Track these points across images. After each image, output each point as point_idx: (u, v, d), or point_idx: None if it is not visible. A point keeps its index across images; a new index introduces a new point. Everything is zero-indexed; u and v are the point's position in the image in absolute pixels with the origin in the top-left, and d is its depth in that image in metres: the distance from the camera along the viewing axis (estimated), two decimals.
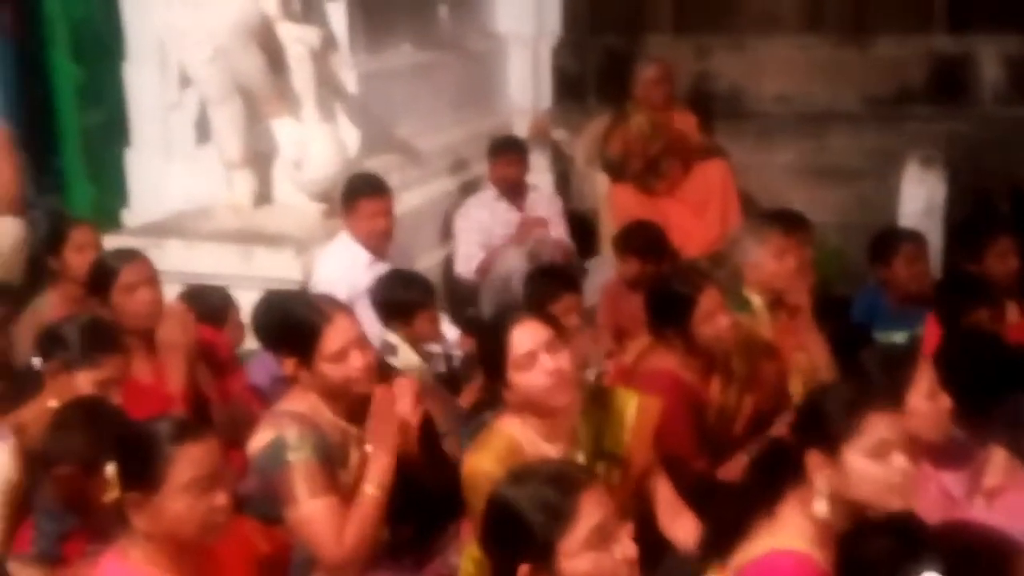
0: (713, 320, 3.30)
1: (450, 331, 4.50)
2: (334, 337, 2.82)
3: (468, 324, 4.74)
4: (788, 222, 3.96)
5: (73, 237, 4.26)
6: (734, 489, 2.88)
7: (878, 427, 2.18)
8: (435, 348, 4.11)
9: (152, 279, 3.58)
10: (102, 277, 3.55)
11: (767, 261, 3.77)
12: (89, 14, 6.22)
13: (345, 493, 2.75)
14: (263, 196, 5.12)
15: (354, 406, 2.84)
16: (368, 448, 2.79)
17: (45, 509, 2.79)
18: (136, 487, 2.21)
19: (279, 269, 4.61)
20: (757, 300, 3.73)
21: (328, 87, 4.91)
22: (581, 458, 2.70)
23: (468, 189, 5.88)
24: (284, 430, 2.74)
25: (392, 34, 5.81)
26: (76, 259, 4.13)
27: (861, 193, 6.08)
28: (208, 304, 3.94)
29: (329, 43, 4.89)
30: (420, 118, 5.90)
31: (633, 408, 2.82)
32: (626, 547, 1.98)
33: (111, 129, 6.06)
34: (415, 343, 3.97)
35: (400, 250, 4.72)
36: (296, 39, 4.79)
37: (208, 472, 2.22)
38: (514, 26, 6.83)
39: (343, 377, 2.82)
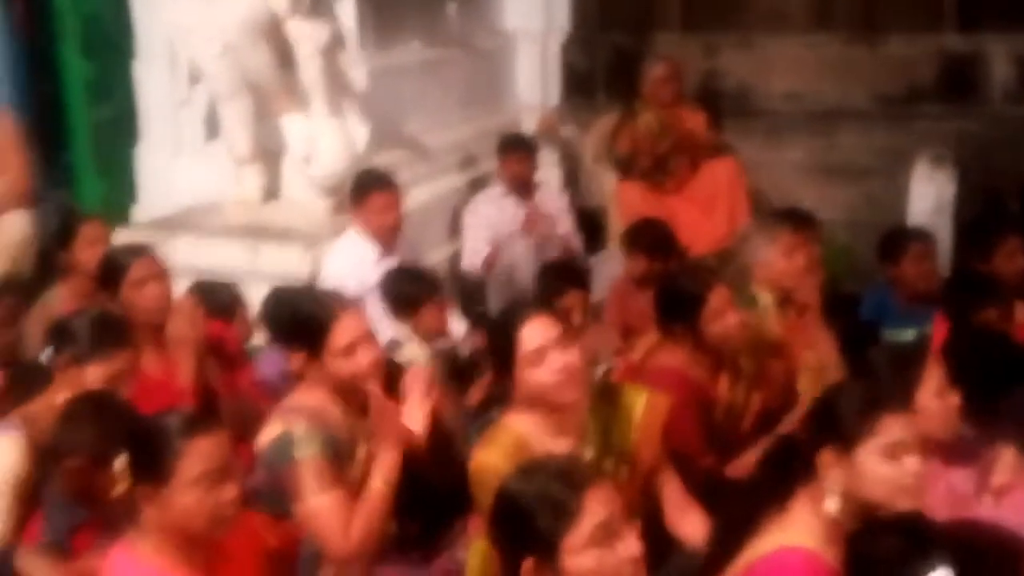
0: (722, 318, 3.31)
1: (458, 325, 4.50)
2: (342, 332, 2.83)
3: (477, 320, 4.75)
4: (797, 220, 3.96)
5: (83, 232, 4.27)
6: (742, 486, 2.89)
7: (893, 428, 2.19)
8: (443, 343, 4.10)
9: (161, 274, 3.59)
10: (112, 272, 3.57)
11: (776, 259, 3.77)
12: (99, 10, 6.23)
13: (352, 488, 2.76)
14: (272, 192, 5.13)
15: (362, 401, 2.85)
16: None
17: (54, 502, 2.80)
18: (146, 480, 2.23)
19: (287, 264, 4.62)
20: (765, 298, 3.72)
21: (337, 83, 4.91)
22: (589, 454, 2.70)
23: (476, 185, 5.88)
24: (292, 425, 2.75)
25: (401, 31, 5.81)
26: (86, 254, 4.14)
27: (870, 191, 6.07)
28: (217, 299, 3.95)
29: (338, 40, 4.89)
30: (429, 114, 5.91)
31: (641, 405, 2.82)
32: (631, 545, 1.98)
33: (120, 125, 6.07)
34: (423, 337, 3.97)
35: (408, 246, 4.73)
36: (305, 36, 4.79)
37: (218, 466, 2.23)
38: (523, 23, 6.82)
39: (351, 372, 2.83)
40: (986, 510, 2.62)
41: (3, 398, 3.31)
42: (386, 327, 3.96)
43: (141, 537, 2.26)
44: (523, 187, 5.61)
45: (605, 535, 1.96)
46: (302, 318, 2.94)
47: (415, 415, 2.86)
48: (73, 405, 2.80)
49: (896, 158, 5.88)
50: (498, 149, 5.69)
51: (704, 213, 5.78)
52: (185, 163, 5.67)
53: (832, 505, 2.18)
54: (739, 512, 2.27)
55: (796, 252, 3.78)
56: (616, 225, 5.75)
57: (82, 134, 6.37)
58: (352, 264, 4.47)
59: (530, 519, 1.97)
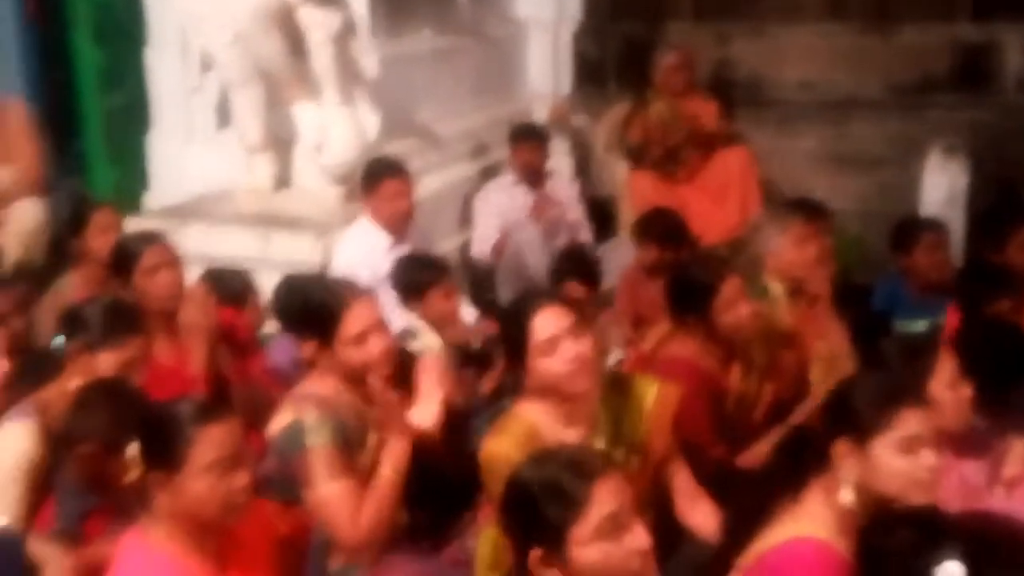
0: (734, 308, 3.30)
1: (468, 313, 4.50)
2: (354, 321, 2.83)
3: (489, 308, 4.75)
4: (809, 210, 3.94)
5: (95, 219, 4.28)
6: (754, 476, 2.89)
7: (909, 422, 2.19)
8: (454, 331, 4.10)
9: (173, 261, 3.60)
10: (124, 259, 3.58)
11: (787, 249, 3.76)
12: None
13: (363, 475, 2.76)
14: (283, 180, 5.13)
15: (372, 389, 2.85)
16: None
17: (67, 488, 2.81)
18: (158, 467, 2.24)
19: (299, 252, 4.62)
20: (776, 288, 3.72)
21: (348, 71, 4.91)
22: (600, 444, 2.70)
23: (488, 174, 5.88)
24: (303, 413, 2.76)
25: (412, 19, 5.80)
26: (98, 241, 4.16)
27: (883, 181, 6.05)
28: (229, 286, 3.95)
29: (350, 27, 4.88)
30: (440, 103, 5.90)
31: (652, 395, 2.81)
32: (639, 538, 1.98)
33: (133, 112, 6.09)
34: (434, 325, 3.97)
35: (420, 234, 4.73)
36: (317, 23, 4.79)
37: (229, 453, 2.24)
38: (534, 11, 6.80)
39: (362, 361, 2.83)
40: (998, 501, 2.62)
41: (15, 386, 3.32)
42: (398, 316, 3.96)
43: (153, 524, 2.27)
44: (534, 176, 5.60)
45: (613, 527, 1.95)
46: (313, 306, 2.94)
47: (429, 404, 2.86)
48: (86, 392, 2.81)
49: (909, 148, 5.86)
50: (509, 138, 5.68)
51: (715, 203, 5.77)
52: (197, 151, 5.68)
53: (847, 496, 2.18)
54: (750, 502, 2.27)
55: (808, 242, 3.77)
56: (627, 214, 5.74)
57: (94, 122, 6.39)
58: (364, 252, 4.48)
59: (538, 508, 1.97)
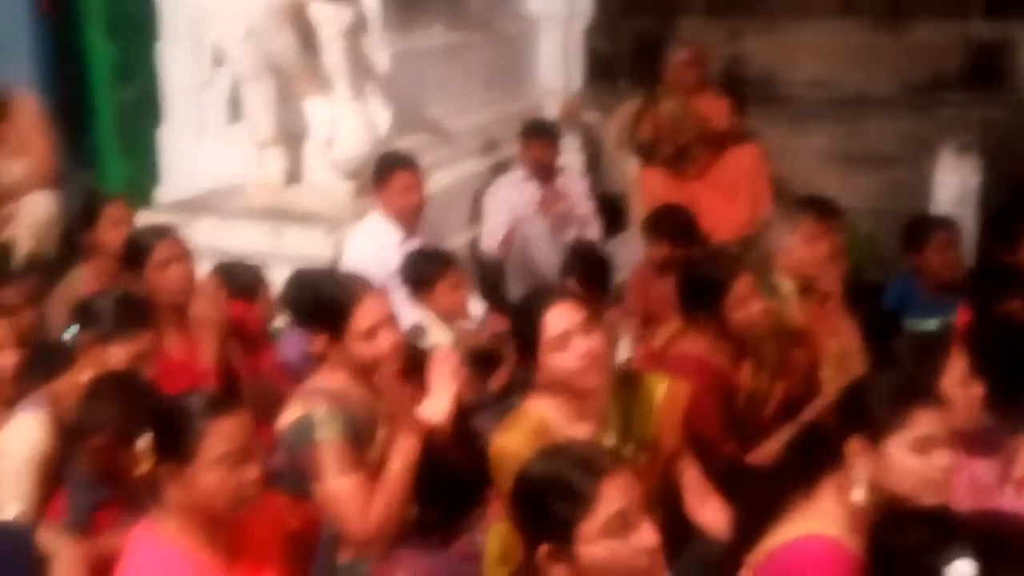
0: (746, 305, 3.30)
1: (477, 309, 4.50)
2: (364, 315, 2.83)
3: (499, 303, 4.75)
4: (820, 208, 3.93)
5: (107, 213, 4.29)
6: (764, 474, 2.89)
7: (923, 422, 2.18)
8: (464, 326, 4.10)
9: (185, 255, 3.61)
10: (136, 253, 3.59)
11: (798, 247, 3.75)
12: None
13: (373, 470, 2.76)
14: (294, 175, 5.14)
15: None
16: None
17: (78, 480, 2.82)
18: (169, 459, 2.24)
19: (309, 247, 4.62)
20: (787, 286, 3.71)
21: (360, 67, 4.91)
22: (610, 441, 2.70)
23: (498, 170, 5.88)
24: (313, 407, 2.76)
25: (424, 14, 5.80)
26: (110, 235, 4.17)
27: (894, 179, 6.04)
28: (240, 280, 3.95)
29: (361, 23, 4.88)
30: (451, 98, 5.90)
31: (662, 392, 2.81)
32: (646, 536, 1.97)
33: (144, 106, 6.10)
34: (443, 318, 3.98)
35: (431, 229, 4.74)
36: (328, 18, 4.79)
37: (240, 446, 2.25)
38: (546, 7, 6.79)
39: (372, 355, 2.83)
40: (1009, 500, 2.61)
41: (27, 377, 3.33)
42: (408, 311, 3.96)
43: (164, 516, 2.28)
44: (545, 172, 5.60)
45: (621, 524, 1.95)
46: (324, 300, 2.94)
47: (441, 398, 2.86)
48: (97, 384, 2.82)
49: (920, 146, 5.84)
50: (520, 134, 5.68)
51: (726, 200, 5.76)
52: (208, 145, 5.68)
53: (859, 495, 2.18)
54: (761, 500, 2.27)
55: (819, 240, 3.76)
56: (638, 211, 5.74)
57: (106, 116, 6.40)
58: (374, 247, 4.48)
59: (546, 504, 1.97)
